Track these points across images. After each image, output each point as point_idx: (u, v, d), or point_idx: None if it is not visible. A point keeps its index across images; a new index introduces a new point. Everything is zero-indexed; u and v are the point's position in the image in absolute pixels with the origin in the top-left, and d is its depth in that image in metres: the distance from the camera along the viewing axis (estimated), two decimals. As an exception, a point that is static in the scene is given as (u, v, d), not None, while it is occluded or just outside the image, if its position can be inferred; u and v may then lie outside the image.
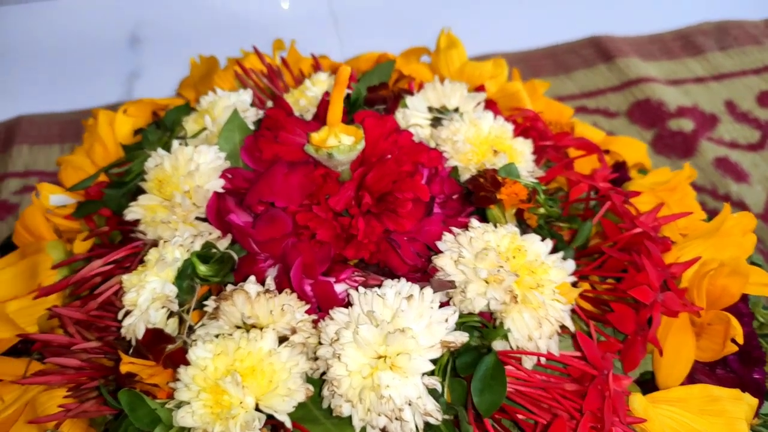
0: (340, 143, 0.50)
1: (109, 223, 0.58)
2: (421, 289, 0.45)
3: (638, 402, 0.45)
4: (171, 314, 0.47)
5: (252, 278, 0.46)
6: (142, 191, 0.55)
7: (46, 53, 1.39)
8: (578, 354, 0.48)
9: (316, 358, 0.45)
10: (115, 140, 0.63)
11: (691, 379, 0.50)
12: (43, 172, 1.05)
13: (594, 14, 1.44)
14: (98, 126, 0.63)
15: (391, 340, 0.42)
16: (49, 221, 0.58)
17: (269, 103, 0.62)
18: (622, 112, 1.17)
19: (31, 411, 0.47)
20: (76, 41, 1.41)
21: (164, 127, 0.61)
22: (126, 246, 0.50)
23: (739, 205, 0.92)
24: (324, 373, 0.44)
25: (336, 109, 0.50)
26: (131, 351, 0.46)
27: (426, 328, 0.43)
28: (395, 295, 0.44)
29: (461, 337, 0.44)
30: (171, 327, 0.47)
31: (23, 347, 0.55)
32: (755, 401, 0.47)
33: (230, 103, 0.58)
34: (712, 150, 1.04)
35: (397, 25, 1.43)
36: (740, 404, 0.47)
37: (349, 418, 0.43)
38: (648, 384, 0.51)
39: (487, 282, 0.47)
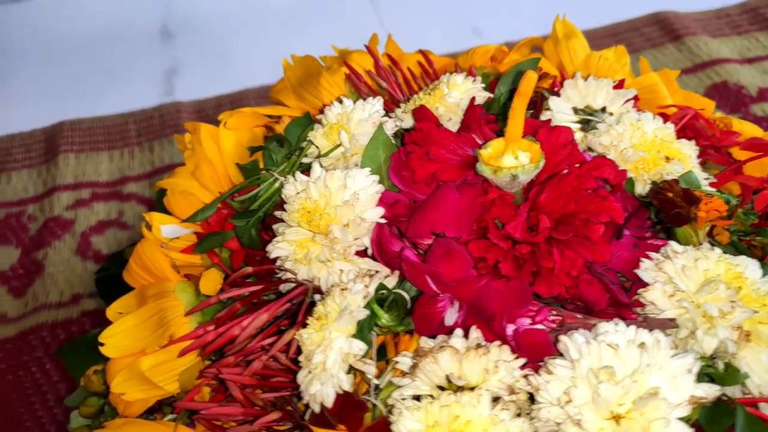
0: (521, 162, 0.43)
1: (236, 257, 0.51)
2: (650, 332, 0.39)
3: None
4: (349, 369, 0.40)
5: (459, 332, 0.39)
6: (274, 219, 0.48)
7: (71, 50, 1.30)
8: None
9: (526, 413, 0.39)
10: (223, 159, 0.56)
11: None
12: (94, 183, 0.98)
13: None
14: (202, 144, 0.56)
15: (641, 404, 0.35)
16: (166, 256, 0.51)
17: (398, 111, 0.55)
18: (700, 97, 1.11)
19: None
20: (103, 36, 1.32)
21: (288, 144, 0.53)
22: (286, 295, 0.43)
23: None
24: (545, 437, 0.38)
25: (518, 124, 0.43)
26: (310, 418, 0.39)
27: (669, 381, 0.37)
28: (628, 343, 0.38)
29: (712, 391, 0.37)
30: (347, 383, 0.41)
31: (156, 403, 0.48)
32: None
33: (365, 116, 0.51)
34: (803, 136, 0.98)
35: (442, 4, 1.36)
36: None
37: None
38: None
39: (706, 318, 0.41)
